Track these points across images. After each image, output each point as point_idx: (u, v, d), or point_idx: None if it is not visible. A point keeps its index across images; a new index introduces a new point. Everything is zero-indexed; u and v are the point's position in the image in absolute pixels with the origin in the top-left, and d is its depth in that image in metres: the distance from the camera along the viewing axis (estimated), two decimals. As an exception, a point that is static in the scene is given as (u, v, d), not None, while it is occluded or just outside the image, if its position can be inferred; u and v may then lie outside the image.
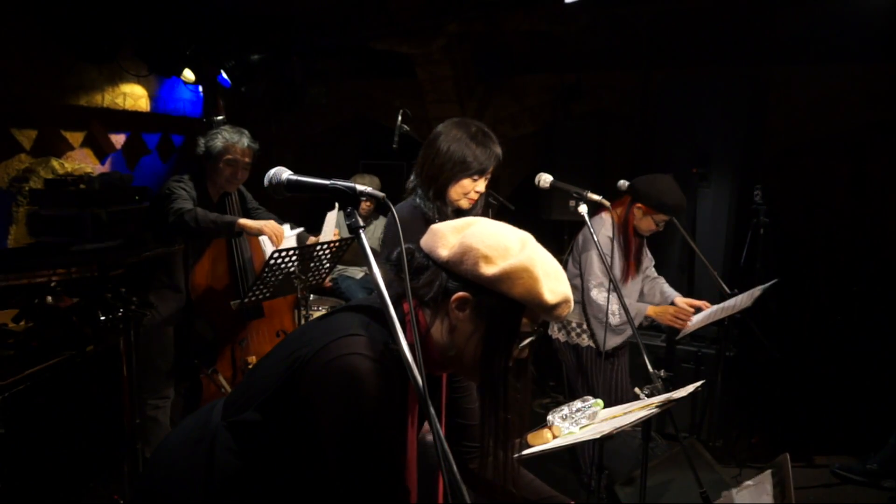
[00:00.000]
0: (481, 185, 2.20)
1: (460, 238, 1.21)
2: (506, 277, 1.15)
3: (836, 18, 3.92)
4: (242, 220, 2.88)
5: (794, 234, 4.77)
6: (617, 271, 3.00)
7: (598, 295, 2.94)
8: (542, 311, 1.19)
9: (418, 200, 2.23)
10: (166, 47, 4.11)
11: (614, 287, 2.43)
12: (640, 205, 2.91)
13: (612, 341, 2.98)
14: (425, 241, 1.27)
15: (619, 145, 4.76)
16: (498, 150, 2.20)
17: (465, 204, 2.22)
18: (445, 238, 1.23)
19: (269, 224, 2.87)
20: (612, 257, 2.94)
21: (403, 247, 1.22)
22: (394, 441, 1.19)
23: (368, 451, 1.15)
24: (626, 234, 2.99)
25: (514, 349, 1.22)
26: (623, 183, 2.96)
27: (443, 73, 5.04)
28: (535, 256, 1.19)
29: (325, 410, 1.15)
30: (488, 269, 1.16)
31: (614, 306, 2.92)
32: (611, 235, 2.95)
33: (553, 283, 1.18)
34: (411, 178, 2.29)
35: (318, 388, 1.16)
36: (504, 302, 1.18)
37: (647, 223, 2.94)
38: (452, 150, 2.14)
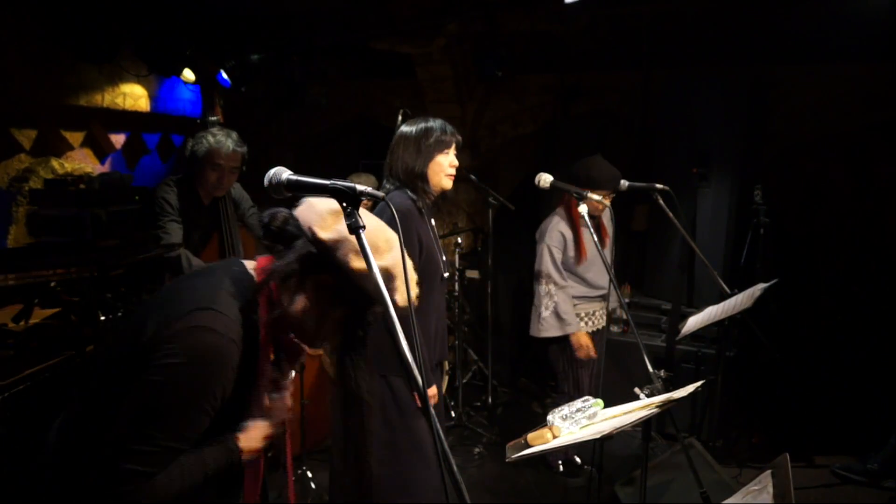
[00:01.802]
0: (454, 157, 2.44)
1: (339, 225, 1.22)
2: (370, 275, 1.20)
3: (836, 18, 3.91)
4: None
5: (794, 234, 4.77)
6: (571, 259, 3.37)
7: (539, 287, 3.34)
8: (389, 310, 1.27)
9: (407, 192, 2.43)
10: (166, 47, 4.11)
11: (616, 284, 2.43)
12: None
13: (549, 332, 3.32)
14: (302, 214, 1.28)
15: (619, 145, 4.74)
16: (451, 127, 2.46)
17: (447, 183, 2.44)
18: (324, 220, 1.24)
19: None
20: (563, 248, 3.33)
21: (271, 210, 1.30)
22: (190, 427, 1.20)
23: (163, 419, 1.17)
24: (571, 221, 3.33)
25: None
26: (623, 183, 2.96)
27: (443, 73, 5.04)
28: (398, 261, 1.26)
29: (154, 370, 1.16)
30: (358, 264, 1.21)
31: (550, 302, 3.29)
32: (562, 230, 3.33)
33: (405, 288, 1.25)
34: (385, 183, 2.49)
35: (162, 350, 1.16)
36: (360, 296, 1.24)
37: (590, 204, 3.05)
38: (415, 139, 2.41)
